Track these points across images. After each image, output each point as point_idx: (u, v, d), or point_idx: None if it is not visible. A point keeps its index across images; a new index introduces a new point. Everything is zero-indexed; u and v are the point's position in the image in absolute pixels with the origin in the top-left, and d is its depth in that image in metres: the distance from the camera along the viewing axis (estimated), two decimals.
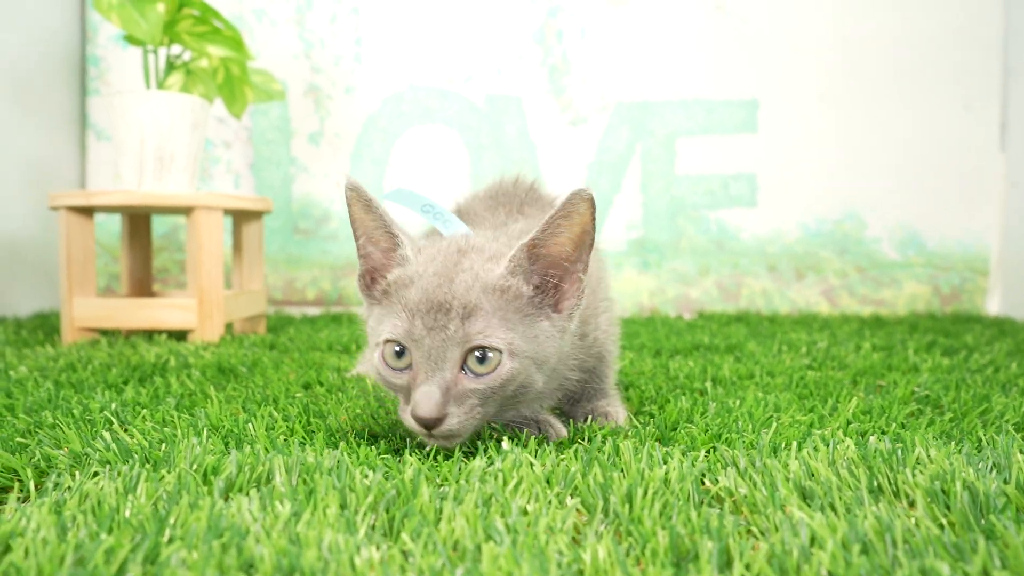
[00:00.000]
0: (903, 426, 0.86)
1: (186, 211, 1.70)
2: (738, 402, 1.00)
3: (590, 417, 0.94)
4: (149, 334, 1.71)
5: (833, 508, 0.57)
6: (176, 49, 1.90)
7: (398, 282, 0.77)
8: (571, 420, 0.92)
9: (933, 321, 2.18)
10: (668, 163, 2.46)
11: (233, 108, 1.93)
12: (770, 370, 1.32)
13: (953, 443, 0.74)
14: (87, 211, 1.69)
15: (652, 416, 0.96)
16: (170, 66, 1.83)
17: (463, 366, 0.74)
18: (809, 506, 0.57)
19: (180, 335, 1.71)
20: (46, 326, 1.84)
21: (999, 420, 0.90)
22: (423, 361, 0.73)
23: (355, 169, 2.44)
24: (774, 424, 0.86)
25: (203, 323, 1.64)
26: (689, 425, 0.89)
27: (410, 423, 0.73)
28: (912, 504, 0.59)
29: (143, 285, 1.93)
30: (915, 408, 0.98)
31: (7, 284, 2.07)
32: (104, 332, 1.72)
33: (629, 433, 0.86)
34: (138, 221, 1.92)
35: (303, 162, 2.44)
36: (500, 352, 0.74)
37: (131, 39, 1.78)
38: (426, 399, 0.71)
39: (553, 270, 0.78)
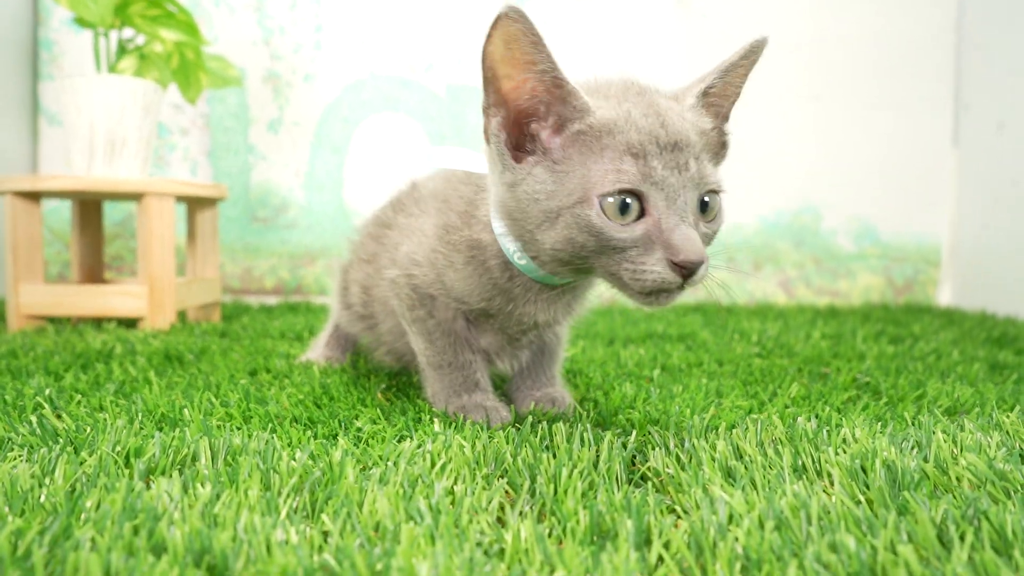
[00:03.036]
0: (839, 410, 0.88)
1: (137, 197, 1.67)
2: (682, 388, 1.01)
3: (535, 403, 0.95)
4: (98, 322, 1.67)
5: (755, 486, 0.58)
6: (128, 33, 1.86)
7: (598, 128, 0.68)
8: (513, 406, 0.92)
9: (885, 311, 2.22)
10: None
11: (188, 93, 1.90)
12: (719, 358, 1.33)
13: (880, 424, 0.75)
14: (34, 196, 1.65)
15: (596, 403, 0.96)
16: (122, 50, 1.80)
17: None
18: (732, 485, 0.58)
19: (131, 323, 1.69)
20: None
21: (931, 405, 0.91)
22: (666, 206, 0.66)
23: (314, 158, 2.41)
24: (712, 409, 0.87)
25: (153, 311, 1.62)
26: (631, 410, 0.89)
27: (659, 276, 0.65)
28: (833, 482, 0.60)
29: (94, 272, 1.89)
30: (853, 393, 0.99)
31: None
32: (53, 320, 1.69)
33: (570, 418, 0.86)
34: (89, 207, 1.88)
35: (261, 150, 2.41)
36: (719, 195, 0.70)
37: (81, 21, 1.74)
38: (691, 242, 0.64)
39: (717, 120, 0.76)
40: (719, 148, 0.77)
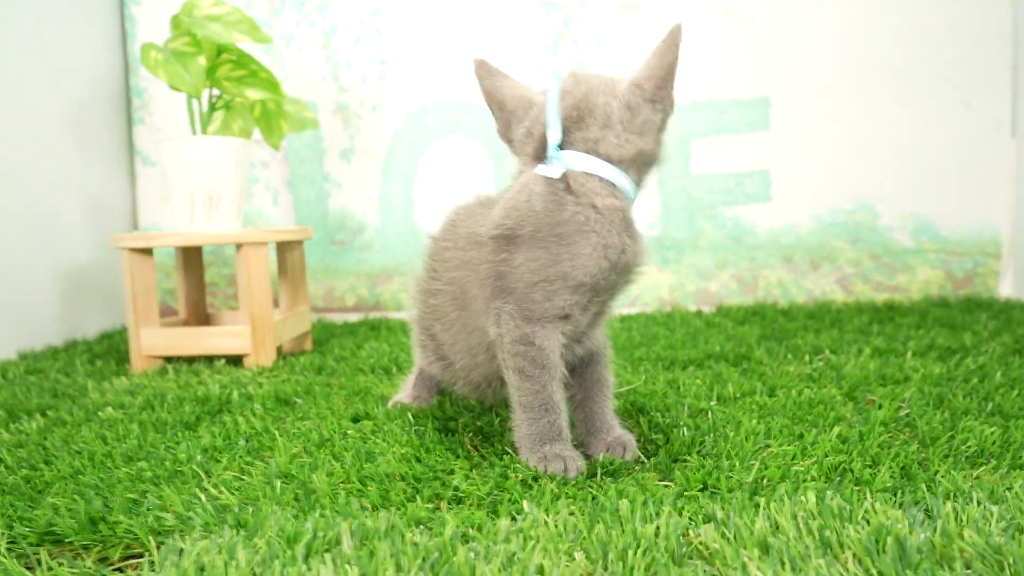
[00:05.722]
0: (873, 461, 1.00)
1: (236, 245, 1.87)
2: (732, 432, 1.14)
3: (607, 449, 1.09)
4: (209, 359, 1.88)
5: (783, 563, 0.71)
6: (217, 91, 2.04)
7: None
8: (588, 455, 1.07)
9: (944, 308, 2.28)
10: (684, 163, 2.56)
11: (271, 140, 2.08)
12: (772, 383, 1.45)
13: (899, 492, 0.87)
14: (147, 250, 1.86)
15: (658, 446, 1.10)
16: (212, 107, 1.98)
17: None
18: (766, 562, 0.71)
19: (236, 359, 1.89)
20: (114, 351, 2.03)
21: (960, 447, 1.02)
22: None
23: (385, 182, 2.58)
24: (759, 459, 1.00)
25: (257, 349, 1.81)
26: (687, 459, 1.03)
27: None
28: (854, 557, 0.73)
29: (198, 308, 2.11)
30: (890, 435, 1.10)
31: (76, 309, 2.26)
32: (168, 359, 1.90)
33: (635, 470, 1.00)
34: (191, 251, 2.09)
35: (336, 178, 2.59)
36: None
37: (176, 88, 1.93)
38: None
39: None
40: None
